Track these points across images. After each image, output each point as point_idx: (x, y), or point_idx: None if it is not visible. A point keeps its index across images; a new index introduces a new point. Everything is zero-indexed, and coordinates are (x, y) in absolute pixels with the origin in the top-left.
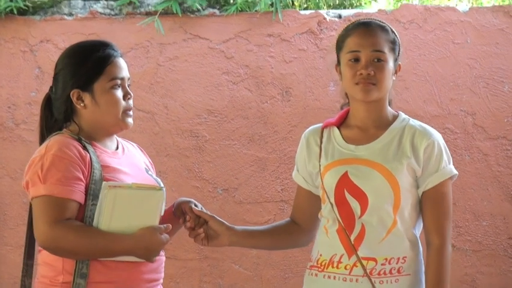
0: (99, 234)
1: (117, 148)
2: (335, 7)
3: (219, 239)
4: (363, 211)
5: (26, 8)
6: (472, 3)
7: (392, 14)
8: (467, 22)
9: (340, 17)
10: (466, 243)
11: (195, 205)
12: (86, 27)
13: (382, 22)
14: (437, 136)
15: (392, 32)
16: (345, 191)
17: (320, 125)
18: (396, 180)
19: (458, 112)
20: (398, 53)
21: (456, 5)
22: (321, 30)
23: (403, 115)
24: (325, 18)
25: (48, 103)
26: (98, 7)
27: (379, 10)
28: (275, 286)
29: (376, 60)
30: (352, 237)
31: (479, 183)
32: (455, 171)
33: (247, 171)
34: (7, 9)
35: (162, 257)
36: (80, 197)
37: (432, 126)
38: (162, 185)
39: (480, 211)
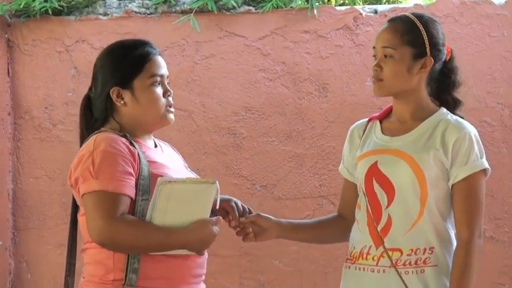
0: (155, 228)
1: (155, 146)
2: (371, 2)
3: (267, 233)
4: (389, 201)
5: (61, 9)
6: None
7: (428, 9)
8: (503, 15)
9: (376, 12)
10: (505, 235)
11: (235, 203)
12: (121, 27)
13: (409, 16)
14: (470, 130)
15: (416, 25)
16: (374, 180)
17: (366, 119)
18: (422, 170)
19: (495, 105)
20: (425, 47)
21: None
22: (357, 25)
23: (443, 110)
24: (361, 14)
25: (87, 103)
26: (133, 6)
27: (415, 5)
28: (315, 281)
29: (386, 56)
30: (379, 228)
31: None
32: (486, 166)
33: (286, 168)
34: (42, 10)
35: (206, 253)
36: (132, 191)
37: (469, 120)
38: None
39: None
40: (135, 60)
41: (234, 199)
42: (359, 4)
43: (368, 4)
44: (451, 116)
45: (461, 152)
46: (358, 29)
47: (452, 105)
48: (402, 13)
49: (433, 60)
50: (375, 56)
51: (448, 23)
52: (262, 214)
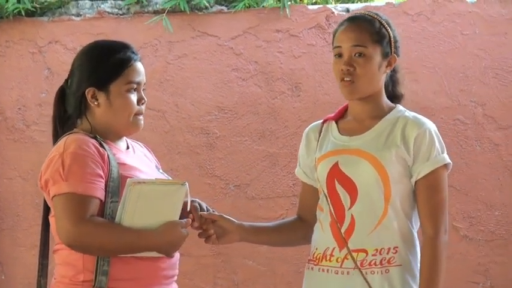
0: (124, 230)
1: (127, 148)
2: (343, 1)
3: (230, 236)
4: (352, 202)
5: (34, 10)
6: None
7: (400, 7)
8: (475, 13)
9: (348, 11)
10: (479, 234)
11: (199, 204)
12: (94, 27)
13: (371, 15)
14: (430, 125)
15: (381, 24)
16: (336, 181)
17: (321, 120)
18: (384, 168)
19: (468, 103)
20: (391, 46)
21: None
22: (329, 24)
23: (400, 107)
24: (333, 13)
25: (61, 97)
26: (106, 7)
27: (387, 3)
28: (288, 281)
29: (357, 55)
30: (343, 230)
31: (491, 173)
32: (448, 160)
33: (259, 167)
34: (15, 11)
35: (177, 254)
36: (101, 193)
37: (442, 118)
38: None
39: (492, 201)
40: (115, 64)
41: (198, 200)
42: (331, 3)
43: (340, 3)
44: (408, 113)
45: (423, 148)
46: (330, 27)
47: (401, 99)
48: (360, 12)
49: (396, 58)
50: (338, 55)
51: (420, 21)
52: (225, 216)
